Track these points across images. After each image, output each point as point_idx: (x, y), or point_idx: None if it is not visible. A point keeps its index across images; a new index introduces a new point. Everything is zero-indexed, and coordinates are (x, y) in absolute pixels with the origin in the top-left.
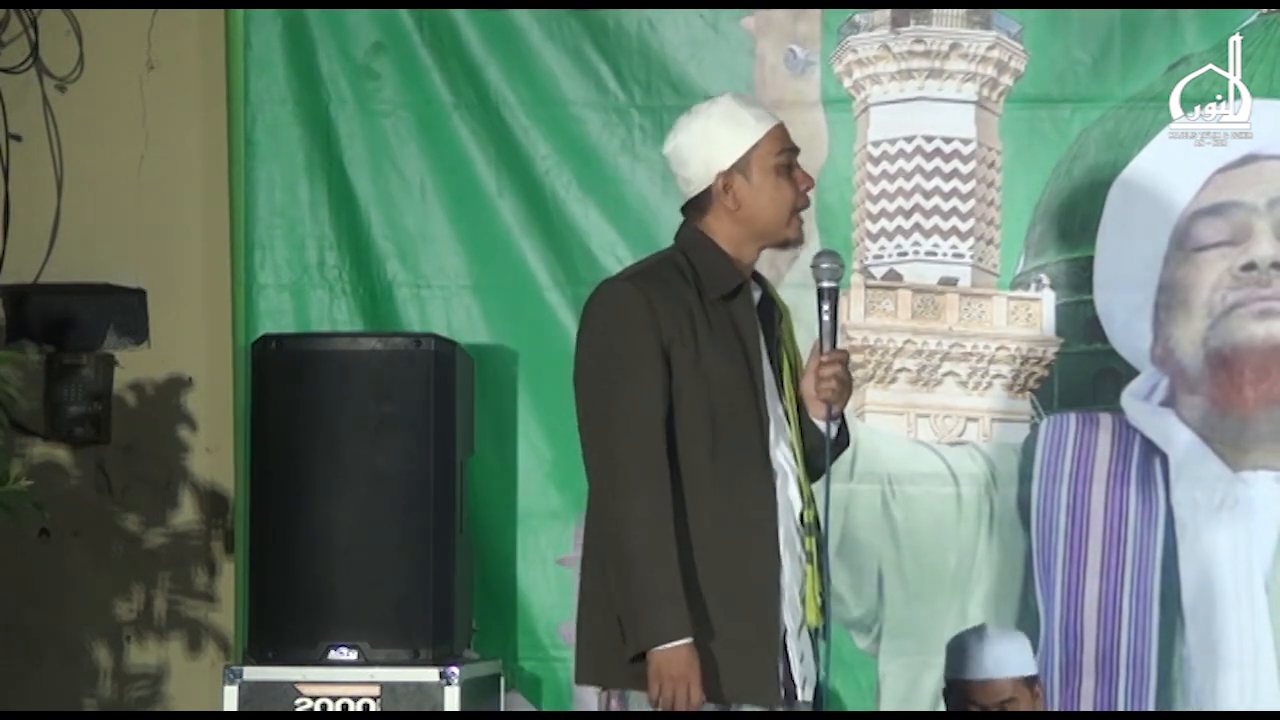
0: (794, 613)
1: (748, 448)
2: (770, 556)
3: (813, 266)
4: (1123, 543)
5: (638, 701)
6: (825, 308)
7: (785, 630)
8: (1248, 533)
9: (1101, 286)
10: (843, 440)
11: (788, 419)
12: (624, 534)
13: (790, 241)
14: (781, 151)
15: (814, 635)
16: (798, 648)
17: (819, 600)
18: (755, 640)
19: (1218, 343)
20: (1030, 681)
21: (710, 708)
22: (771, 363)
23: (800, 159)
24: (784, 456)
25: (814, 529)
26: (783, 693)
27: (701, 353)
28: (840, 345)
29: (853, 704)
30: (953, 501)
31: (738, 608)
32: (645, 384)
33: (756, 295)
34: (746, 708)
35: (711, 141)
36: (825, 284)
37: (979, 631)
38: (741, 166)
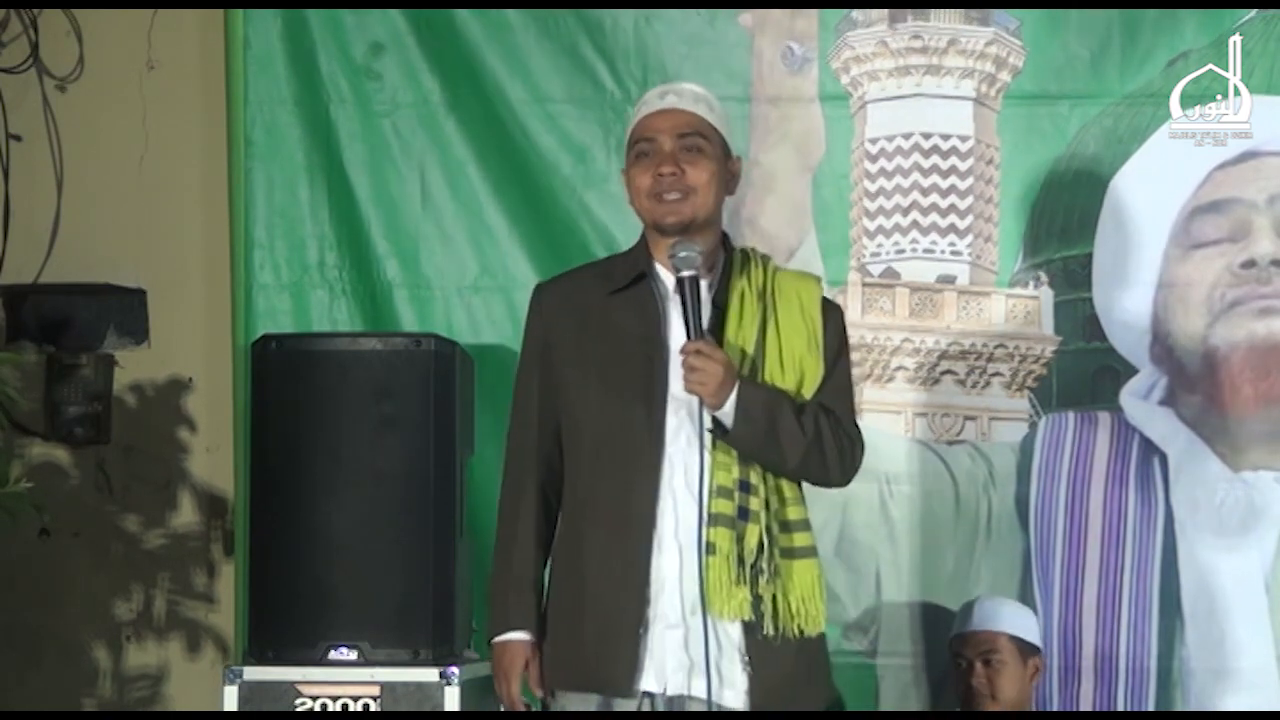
0: (674, 604)
1: (633, 440)
2: (638, 547)
3: (670, 257)
4: (1121, 543)
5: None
6: (683, 297)
7: (664, 621)
8: (1247, 533)
9: (1100, 284)
10: (737, 429)
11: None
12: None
13: (664, 227)
14: (637, 142)
15: (749, 629)
16: (679, 638)
17: (749, 594)
18: (612, 632)
19: (1217, 341)
20: (1026, 647)
21: (594, 701)
22: None
23: (797, 156)
24: (688, 445)
25: (733, 520)
26: (660, 683)
27: (588, 349)
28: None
29: (851, 705)
30: (950, 501)
31: (605, 600)
32: (524, 388)
33: (706, 283)
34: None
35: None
36: (683, 274)
37: (983, 595)
38: (628, 153)
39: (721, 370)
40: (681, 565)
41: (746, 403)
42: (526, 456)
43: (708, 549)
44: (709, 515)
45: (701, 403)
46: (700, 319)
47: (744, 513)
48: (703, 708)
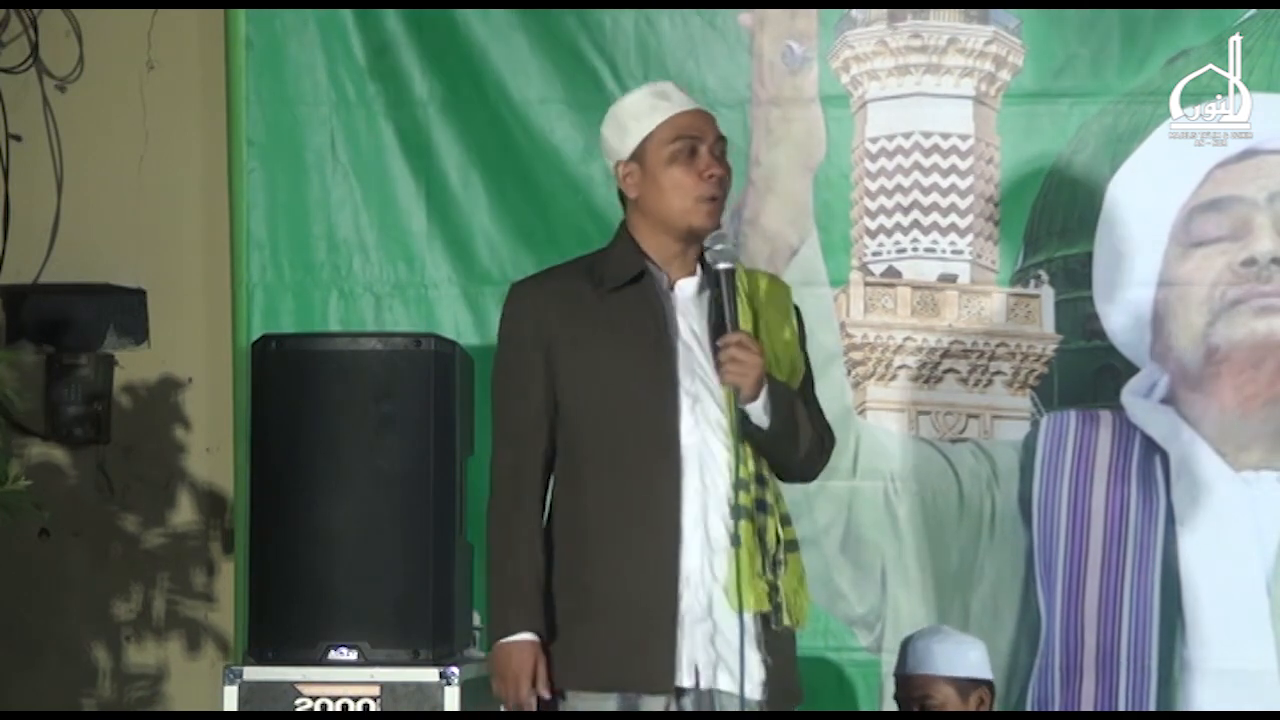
0: (701, 598)
1: (649, 435)
2: (665, 542)
3: (705, 249)
4: (1123, 541)
5: (573, 701)
6: (722, 289)
7: (692, 615)
8: (1249, 533)
9: (1101, 282)
10: (772, 423)
11: (717, 402)
12: (487, 532)
13: (696, 230)
14: (677, 139)
15: (765, 621)
16: (706, 632)
17: (769, 585)
18: (639, 628)
19: (1218, 339)
20: (965, 684)
21: (612, 701)
22: (702, 347)
23: (799, 155)
24: (704, 438)
25: (753, 513)
26: (692, 678)
27: (592, 346)
28: (839, 341)
29: (856, 702)
30: (954, 499)
31: (625, 597)
32: (518, 389)
33: (693, 282)
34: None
35: (615, 132)
36: (720, 266)
37: (923, 630)
38: (638, 156)
39: (761, 363)
40: (708, 558)
41: (776, 396)
42: (523, 458)
43: (732, 540)
44: (732, 508)
45: (713, 396)
46: (737, 312)
47: (762, 505)
48: (731, 702)
